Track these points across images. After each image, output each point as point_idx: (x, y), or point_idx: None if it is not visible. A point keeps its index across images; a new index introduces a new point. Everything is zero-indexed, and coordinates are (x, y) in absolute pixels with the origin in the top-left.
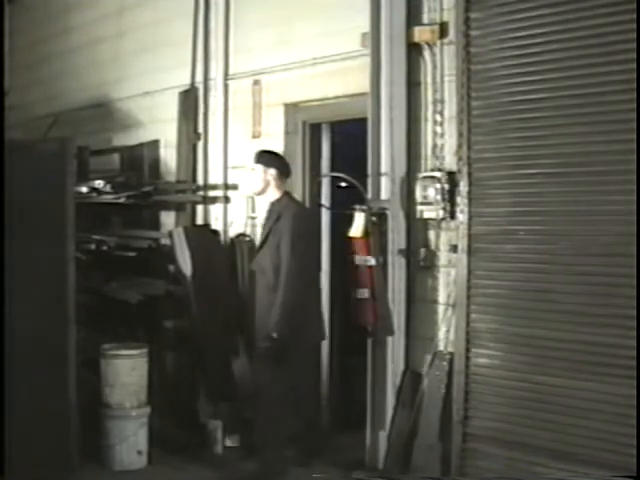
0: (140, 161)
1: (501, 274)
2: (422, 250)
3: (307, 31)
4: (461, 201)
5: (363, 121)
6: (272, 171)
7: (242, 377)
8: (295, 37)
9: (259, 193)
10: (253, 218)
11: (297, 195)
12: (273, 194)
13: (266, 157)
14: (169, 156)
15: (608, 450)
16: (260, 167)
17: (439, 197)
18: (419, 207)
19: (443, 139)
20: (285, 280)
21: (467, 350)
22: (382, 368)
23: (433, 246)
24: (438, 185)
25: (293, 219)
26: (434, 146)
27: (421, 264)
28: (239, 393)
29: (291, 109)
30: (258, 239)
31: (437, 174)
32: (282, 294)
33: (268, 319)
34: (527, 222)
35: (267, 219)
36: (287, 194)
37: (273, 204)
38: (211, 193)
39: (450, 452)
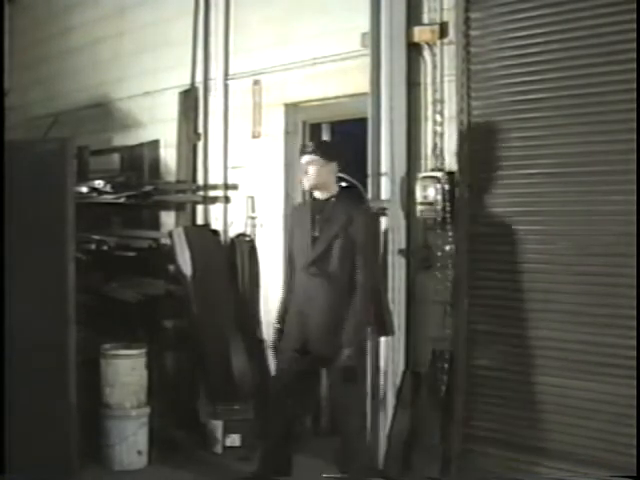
0: (140, 161)
1: (501, 274)
2: (422, 250)
3: (307, 31)
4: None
5: (363, 121)
6: (333, 166)
7: (242, 377)
8: (295, 37)
9: (313, 188)
10: (253, 218)
11: (297, 195)
12: (330, 191)
13: (327, 149)
14: (169, 156)
15: (608, 450)
16: (319, 160)
17: (439, 197)
18: (419, 207)
19: (443, 139)
20: (375, 287)
21: (467, 350)
22: (382, 368)
23: (433, 246)
24: (438, 185)
25: (370, 221)
26: (434, 146)
27: (421, 264)
28: (239, 393)
29: (291, 109)
30: (301, 239)
31: (437, 174)
32: (377, 301)
33: (351, 330)
34: (527, 222)
35: (326, 219)
36: (343, 191)
37: (329, 202)
38: (211, 193)
39: (450, 452)
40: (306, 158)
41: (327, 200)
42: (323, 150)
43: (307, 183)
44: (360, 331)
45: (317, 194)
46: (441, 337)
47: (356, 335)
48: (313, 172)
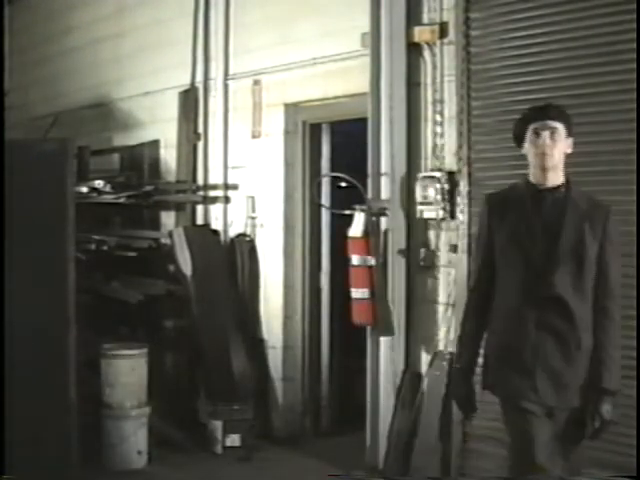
0: (140, 161)
1: None
2: (422, 250)
3: (307, 31)
4: (461, 201)
5: (363, 121)
6: (570, 142)
7: (242, 377)
8: (295, 37)
9: (548, 169)
10: (253, 218)
11: (298, 195)
12: (559, 177)
13: (570, 119)
14: (169, 156)
15: (608, 450)
16: (563, 130)
17: (439, 197)
18: (419, 207)
19: (443, 139)
20: (617, 314)
21: None
22: (382, 368)
23: (433, 246)
24: (438, 185)
25: (613, 222)
26: (434, 146)
27: (421, 264)
28: (239, 393)
29: (291, 109)
30: (519, 246)
31: (437, 174)
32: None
33: (612, 373)
34: None
35: (559, 217)
36: (569, 179)
37: (558, 192)
38: (211, 193)
39: (450, 452)
40: (549, 124)
41: (555, 189)
42: (567, 119)
43: (548, 161)
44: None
45: (539, 179)
46: (441, 337)
47: (618, 379)
48: (555, 145)
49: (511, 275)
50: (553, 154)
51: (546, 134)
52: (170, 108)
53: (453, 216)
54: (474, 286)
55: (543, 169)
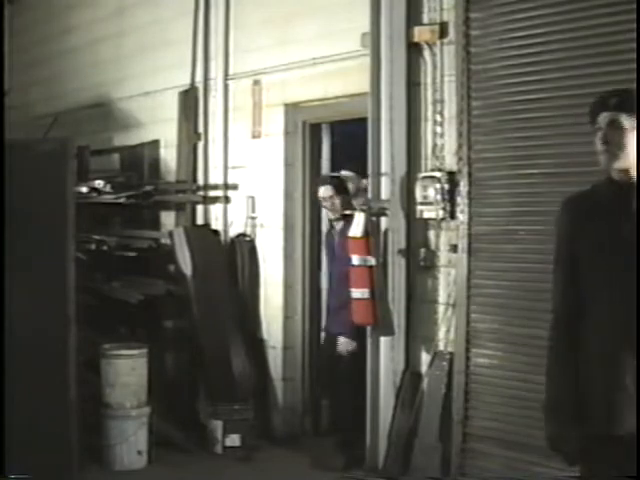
0: (140, 161)
1: (501, 274)
2: (422, 250)
3: (307, 31)
4: (461, 201)
5: (363, 121)
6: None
7: (242, 377)
8: (295, 37)
9: (620, 169)
10: (253, 218)
11: (298, 195)
12: (633, 169)
13: (634, 104)
14: (169, 156)
15: None
16: (627, 119)
17: (439, 197)
18: (419, 207)
19: (443, 139)
20: None
21: (467, 350)
22: (382, 368)
23: (433, 246)
24: (438, 185)
25: None
26: (434, 146)
27: (421, 264)
28: (239, 393)
29: (291, 109)
30: (611, 250)
31: (437, 174)
32: None
33: None
34: (527, 222)
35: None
36: None
37: (634, 187)
38: (211, 193)
39: (450, 452)
40: (612, 117)
41: (632, 183)
42: (631, 105)
43: (615, 162)
44: None
45: (620, 176)
46: (441, 337)
47: None
48: (621, 142)
49: (605, 292)
50: (618, 154)
51: (609, 131)
52: (170, 108)
53: (453, 216)
54: (559, 309)
55: (614, 169)
